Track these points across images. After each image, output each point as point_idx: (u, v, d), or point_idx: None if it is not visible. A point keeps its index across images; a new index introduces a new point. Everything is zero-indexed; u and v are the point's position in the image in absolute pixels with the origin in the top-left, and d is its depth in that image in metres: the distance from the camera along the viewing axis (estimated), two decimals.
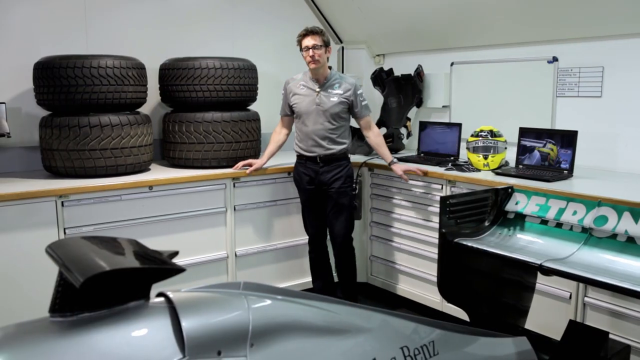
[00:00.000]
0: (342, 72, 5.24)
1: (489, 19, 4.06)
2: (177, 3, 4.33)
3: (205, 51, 4.08)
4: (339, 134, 3.68)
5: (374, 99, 5.03)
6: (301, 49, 3.60)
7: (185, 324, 1.11)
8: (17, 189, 3.13)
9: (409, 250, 3.98)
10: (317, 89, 3.62)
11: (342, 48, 5.25)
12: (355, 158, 4.32)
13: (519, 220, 2.48)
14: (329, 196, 3.72)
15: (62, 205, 3.18)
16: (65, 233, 3.20)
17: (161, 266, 1.14)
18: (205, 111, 3.77)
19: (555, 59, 3.87)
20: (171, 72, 3.80)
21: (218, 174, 3.70)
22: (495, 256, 2.23)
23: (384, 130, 4.64)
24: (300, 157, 3.76)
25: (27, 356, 0.98)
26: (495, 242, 2.38)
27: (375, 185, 4.21)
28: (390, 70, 4.76)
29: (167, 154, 3.87)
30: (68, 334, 1.03)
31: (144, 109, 3.87)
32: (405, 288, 4.05)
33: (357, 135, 4.61)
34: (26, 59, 3.67)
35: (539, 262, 2.07)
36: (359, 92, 3.69)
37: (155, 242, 3.24)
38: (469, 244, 2.28)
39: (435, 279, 3.70)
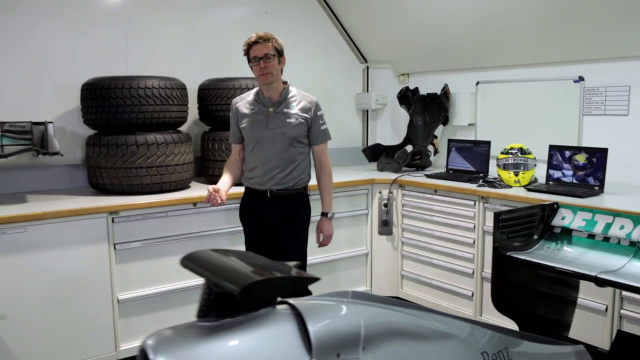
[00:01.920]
0: (367, 91, 5.38)
1: (515, 39, 4.19)
2: (212, 26, 4.46)
3: (241, 71, 4.20)
4: (297, 163, 3.10)
5: (398, 117, 5.18)
6: (249, 60, 3.03)
7: (312, 328, 1.21)
8: (69, 205, 3.24)
9: (441, 265, 4.07)
10: (270, 109, 3.06)
11: (367, 67, 5.38)
12: (385, 175, 4.44)
13: (565, 234, 2.58)
14: (277, 239, 3.14)
15: (113, 221, 3.28)
16: (115, 248, 3.30)
17: (304, 276, 1.24)
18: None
19: (581, 79, 3.99)
20: (210, 92, 3.92)
21: None
22: (549, 268, 2.33)
23: (410, 147, 4.76)
24: (247, 190, 3.20)
25: (182, 356, 1.08)
26: (544, 255, 2.48)
27: (406, 202, 4.30)
28: (416, 89, 4.90)
29: (206, 171, 3.98)
30: (214, 336, 1.13)
31: (184, 128, 3.98)
32: (437, 302, 4.13)
33: (385, 152, 4.75)
34: (70, 80, 3.81)
35: (593, 273, 2.16)
36: (319, 112, 3.13)
37: None
38: (521, 256, 2.39)
39: (467, 293, 3.83)
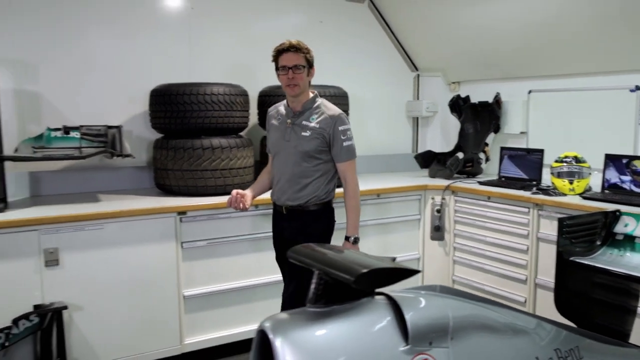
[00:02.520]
0: (417, 98, 5.46)
1: (568, 48, 4.22)
2: (269, 33, 4.60)
3: None
4: (311, 180, 2.95)
5: (448, 125, 5.24)
6: (277, 68, 2.93)
7: (408, 317, 1.31)
8: (139, 205, 3.41)
9: (493, 270, 4.12)
10: (289, 120, 2.96)
11: (418, 75, 5.46)
12: (437, 182, 4.51)
13: (628, 241, 2.61)
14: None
15: (181, 221, 3.44)
16: (182, 247, 3.45)
17: (407, 268, 1.35)
18: None
19: (638, 88, 4.00)
20: (271, 99, 4.05)
21: None
22: (612, 273, 2.37)
23: (461, 154, 4.82)
24: (273, 205, 3.15)
25: (296, 336, 1.19)
26: (607, 261, 2.52)
27: (459, 208, 4.36)
28: (467, 97, 4.96)
29: None
30: (323, 321, 1.24)
31: (244, 133, 4.13)
32: None
33: (437, 159, 4.83)
34: (138, 87, 4.00)
35: None
36: (341, 127, 2.93)
37: (264, 257, 3.51)
38: (585, 261, 2.44)
39: (520, 299, 3.88)
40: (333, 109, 2.97)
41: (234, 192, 2.98)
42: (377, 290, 1.38)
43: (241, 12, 4.47)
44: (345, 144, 2.94)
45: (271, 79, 4.24)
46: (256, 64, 4.48)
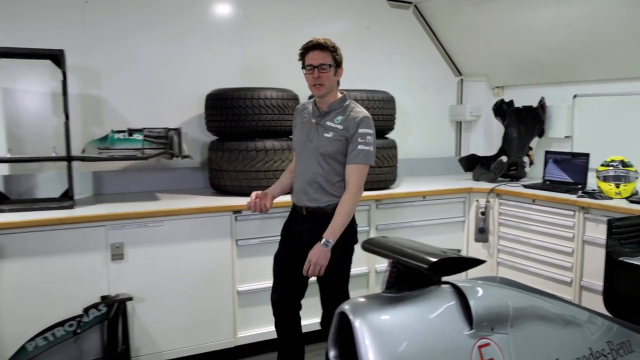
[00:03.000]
0: (460, 103, 5.54)
1: (613, 53, 4.25)
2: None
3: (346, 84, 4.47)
4: (334, 182, 2.85)
5: (491, 129, 5.31)
6: (303, 66, 2.85)
7: (473, 304, 1.43)
8: (197, 204, 3.58)
9: (538, 273, 4.17)
10: (313, 120, 2.90)
11: (461, 80, 5.54)
12: (481, 185, 4.58)
13: None
14: (302, 259, 2.86)
15: (236, 219, 3.60)
16: (237, 244, 3.62)
17: (473, 258, 1.46)
18: None
19: None
20: None
21: (366, 196, 4.02)
22: None
23: (504, 158, 4.88)
24: (292, 203, 3.07)
25: (374, 318, 1.32)
26: None
27: (503, 211, 4.42)
28: (511, 101, 5.02)
29: None
30: (397, 304, 1.37)
31: None
32: None
33: (480, 162, 4.90)
34: (193, 91, 4.19)
35: None
36: (362, 130, 2.79)
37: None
38: (634, 262, 2.51)
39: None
40: (360, 111, 2.85)
41: (254, 194, 2.95)
42: (443, 279, 1.50)
43: (290, 19, 4.62)
44: (360, 147, 2.78)
45: None
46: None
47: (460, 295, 1.45)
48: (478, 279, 1.60)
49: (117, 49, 4.01)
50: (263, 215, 3.62)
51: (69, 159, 3.43)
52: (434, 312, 1.39)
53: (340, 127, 2.80)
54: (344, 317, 1.34)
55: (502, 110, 5.01)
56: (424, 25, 5.28)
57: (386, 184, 4.25)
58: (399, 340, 1.31)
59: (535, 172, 4.89)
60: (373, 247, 1.54)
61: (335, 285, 2.98)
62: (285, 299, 3.07)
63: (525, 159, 4.90)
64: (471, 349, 1.38)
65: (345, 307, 1.34)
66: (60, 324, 3.04)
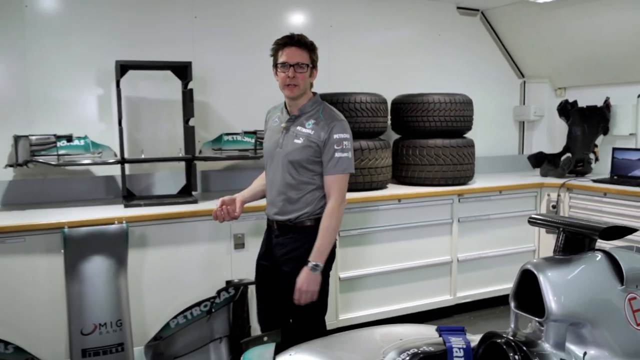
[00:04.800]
0: (523, 103, 5.86)
1: None
2: (391, 44, 5.14)
3: (414, 86, 4.87)
4: (303, 194, 2.61)
5: (554, 128, 5.62)
6: (275, 64, 2.60)
7: (623, 265, 1.77)
8: None
9: None
10: (283, 124, 2.65)
11: (524, 82, 5.86)
12: (550, 180, 4.90)
13: None
14: (282, 283, 2.67)
15: None
16: (339, 235, 3.96)
17: (630, 227, 1.81)
18: (430, 138, 4.50)
19: None
20: (403, 106, 4.58)
21: (447, 190, 4.39)
22: None
23: (568, 155, 5.18)
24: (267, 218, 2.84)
25: (551, 275, 1.68)
26: None
27: (574, 204, 4.73)
28: (575, 102, 5.32)
29: (399, 173, 4.62)
30: (567, 265, 1.73)
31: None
32: None
33: (547, 159, 5.21)
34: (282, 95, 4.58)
35: None
36: (337, 135, 2.55)
37: (407, 245, 4.01)
38: None
39: None
40: (334, 115, 2.64)
41: (220, 201, 2.69)
42: (595, 247, 1.85)
43: (372, 29, 5.00)
44: (337, 154, 2.55)
45: (403, 88, 4.79)
46: (386, 74, 5.02)
47: (611, 259, 1.79)
48: (619, 247, 1.94)
49: (220, 60, 4.41)
50: (360, 209, 4.01)
51: (193, 158, 3.84)
52: (594, 271, 1.74)
53: (311, 132, 2.56)
54: (525, 273, 1.69)
55: (567, 110, 5.32)
56: (489, 31, 5.61)
57: (465, 180, 4.60)
58: (571, 292, 1.66)
59: (599, 168, 5.18)
60: (541, 221, 1.89)
61: (310, 310, 2.66)
62: (272, 323, 2.78)
63: (591, 156, 5.19)
64: (624, 301, 1.72)
65: (528, 266, 1.69)
66: (197, 304, 3.45)
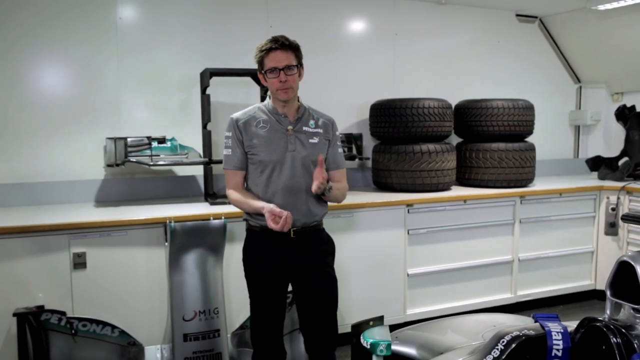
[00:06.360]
0: (579, 108, 5.97)
1: None
2: (452, 50, 5.32)
3: (474, 91, 5.07)
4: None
5: (610, 132, 5.74)
6: (262, 69, 2.57)
7: None
8: (374, 199, 4.16)
9: None
10: (289, 127, 2.60)
11: (580, 87, 5.98)
12: (609, 183, 5.01)
13: None
14: (304, 288, 2.68)
15: (408, 212, 4.19)
16: (408, 233, 4.20)
17: None
18: (494, 142, 4.68)
19: None
20: (467, 111, 4.76)
21: (509, 192, 4.56)
22: None
23: (626, 159, 5.28)
24: (257, 231, 2.65)
25: None
26: None
27: (633, 207, 4.84)
28: (633, 106, 5.42)
29: (462, 175, 4.80)
30: None
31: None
32: None
33: (605, 163, 5.32)
34: (352, 101, 4.84)
35: None
36: (337, 132, 2.74)
37: (474, 244, 4.19)
38: None
39: None
40: (324, 113, 2.75)
41: (279, 212, 2.46)
42: None
43: (434, 36, 5.21)
44: (340, 150, 2.74)
45: (463, 93, 4.98)
46: (447, 80, 5.21)
47: None
48: None
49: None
50: (430, 209, 4.22)
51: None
52: None
53: (320, 130, 2.64)
54: (621, 265, 1.88)
55: (624, 114, 5.42)
56: (547, 37, 5.75)
57: (526, 182, 4.76)
58: None
59: None
60: (634, 218, 2.07)
61: (335, 293, 2.78)
62: (277, 332, 2.78)
63: None
64: None
65: (624, 258, 1.88)
66: None
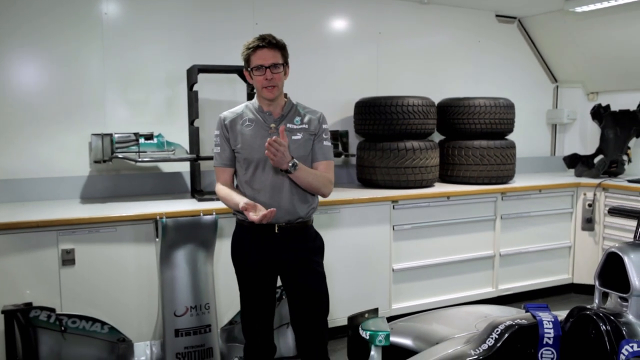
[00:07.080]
0: (556, 107, 6.12)
1: None
2: (434, 50, 5.41)
3: (456, 90, 5.18)
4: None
5: (585, 130, 5.90)
6: (248, 67, 2.59)
7: None
8: (359, 195, 4.22)
9: None
10: (272, 125, 2.61)
11: (557, 87, 6.12)
12: (586, 180, 5.15)
13: None
14: (292, 284, 2.72)
15: (394, 208, 4.25)
16: (394, 229, 4.26)
17: None
18: (475, 139, 4.78)
19: None
20: (450, 109, 4.85)
21: (491, 189, 4.66)
22: None
23: (601, 156, 5.43)
24: (243, 226, 2.70)
25: (634, 256, 1.94)
26: None
27: (609, 203, 4.97)
28: (608, 106, 5.57)
29: (445, 172, 4.88)
30: None
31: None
32: None
33: (581, 160, 5.46)
34: (339, 99, 4.88)
35: None
36: (324, 126, 2.70)
37: (458, 239, 4.28)
38: None
39: None
40: (312, 109, 2.75)
41: (253, 204, 2.50)
42: None
43: (416, 36, 5.30)
44: (326, 143, 2.70)
45: (445, 91, 5.07)
46: (429, 78, 5.29)
47: None
48: None
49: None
50: (414, 205, 4.29)
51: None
52: None
53: (305, 126, 2.64)
54: (610, 256, 1.96)
55: (600, 113, 5.57)
56: (525, 37, 5.88)
57: (507, 179, 4.87)
58: None
59: (632, 169, 5.44)
60: (621, 211, 2.16)
61: (323, 289, 2.78)
62: (264, 341, 2.85)
63: (624, 157, 5.44)
64: None
65: (613, 249, 1.96)
66: None
